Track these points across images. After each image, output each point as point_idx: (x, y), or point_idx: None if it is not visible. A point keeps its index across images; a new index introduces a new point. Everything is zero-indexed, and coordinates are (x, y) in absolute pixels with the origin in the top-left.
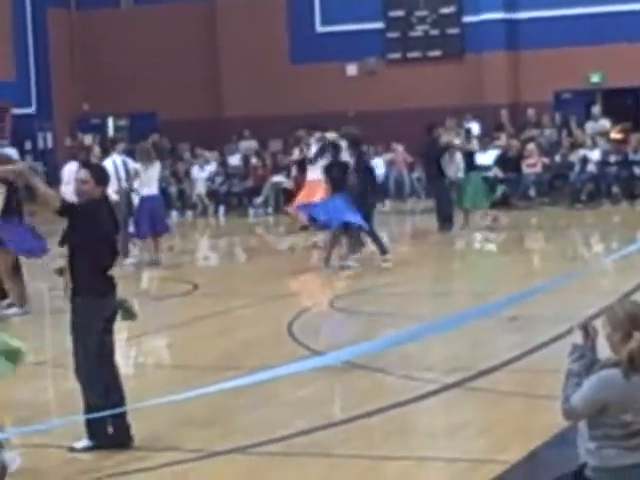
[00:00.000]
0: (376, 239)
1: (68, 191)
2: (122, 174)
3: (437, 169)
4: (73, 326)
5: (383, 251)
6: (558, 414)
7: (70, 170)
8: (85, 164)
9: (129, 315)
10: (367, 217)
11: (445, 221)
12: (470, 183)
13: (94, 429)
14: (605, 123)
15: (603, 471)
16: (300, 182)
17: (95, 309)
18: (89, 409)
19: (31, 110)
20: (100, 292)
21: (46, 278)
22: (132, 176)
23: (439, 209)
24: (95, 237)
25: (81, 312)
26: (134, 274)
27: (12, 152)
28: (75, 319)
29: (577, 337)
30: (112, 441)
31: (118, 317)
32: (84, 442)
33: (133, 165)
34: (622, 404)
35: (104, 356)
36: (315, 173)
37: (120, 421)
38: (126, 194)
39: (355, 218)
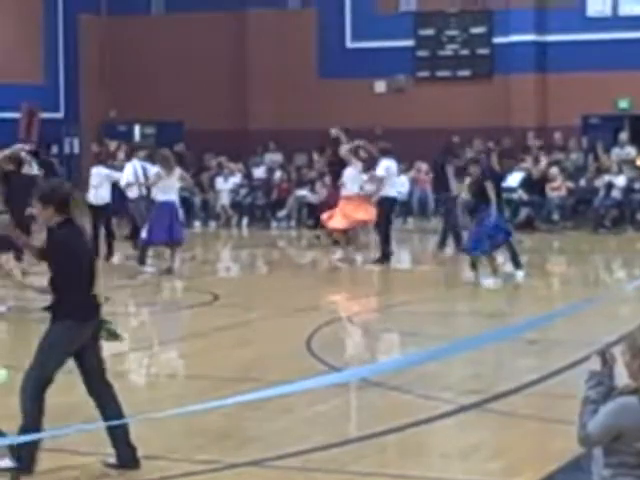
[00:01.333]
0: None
1: (97, 194)
2: (142, 180)
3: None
4: (43, 341)
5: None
6: (573, 439)
7: (99, 174)
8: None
9: (112, 336)
10: None
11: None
12: None
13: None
14: (631, 150)
15: None
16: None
17: (72, 333)
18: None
19: (59, 115)
20: (80, 316)
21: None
22: (152, 181)
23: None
24: (71, 267)
25: (56, 333)
26: (153, 283)
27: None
28: (49, 338)
29: (595, 364)
30: None
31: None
32: (6, 462)
33: (154, 170)
34: (638, 432)
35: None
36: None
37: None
38: (145, 200)
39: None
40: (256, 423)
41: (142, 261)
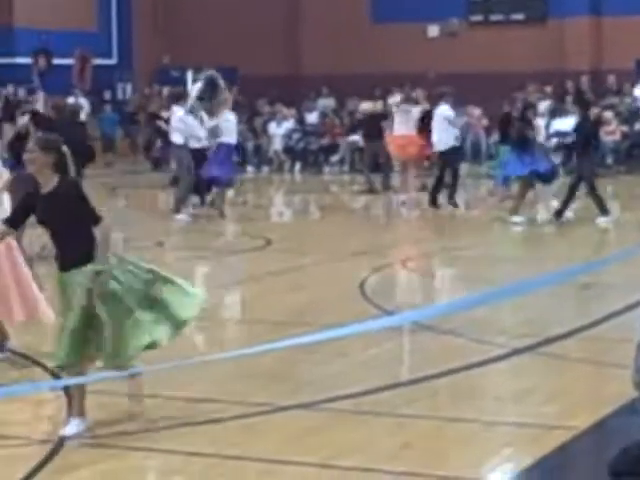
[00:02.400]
0: None
1: (175, 136)
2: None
3: None
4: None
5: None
6: (627, 383)
7: (177, 115)
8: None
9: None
10: None
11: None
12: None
13: None
14: None
15: None
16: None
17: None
18: None
19: (112, 61)
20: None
21: (120, 229)
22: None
23: None
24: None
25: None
26: (207, 228)
27: (84, 103)
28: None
29: None
30: None
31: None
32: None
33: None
34: None
35: None
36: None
37: None
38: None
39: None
40: (309, 366)
41: (178, 209)
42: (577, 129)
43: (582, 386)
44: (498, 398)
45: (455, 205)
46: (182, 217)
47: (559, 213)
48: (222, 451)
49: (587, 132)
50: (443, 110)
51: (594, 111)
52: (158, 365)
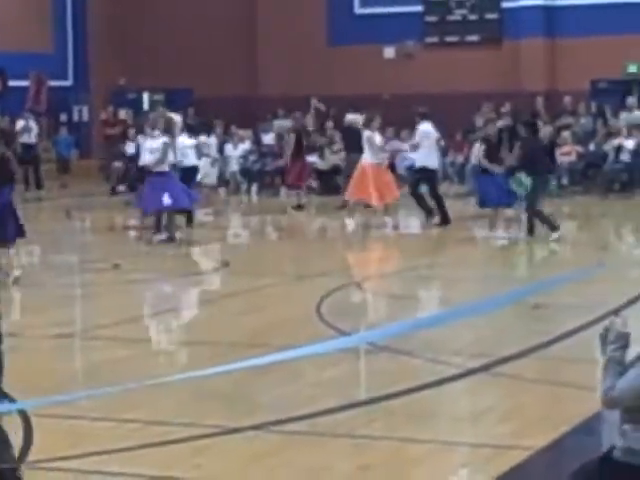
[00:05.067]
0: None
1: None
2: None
3: None
4: None
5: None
6: (582, 403)
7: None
8: None
9: None
10: None
11: None
12: None
13: None
14: (639, 114)
15: (637, 453)
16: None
17: None
18: None
19: (67, 82)
20: None
21: (75, 251)
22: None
23: None
24: None
25: None
26: (163, 250)
27: (33, 125)
28: None
29: (620, 326)
30: None
31: None
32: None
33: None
34: None
35: None
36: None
37: None
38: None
39: None
40: (265, 388)
41: (158, 229)
42: (523, 148)
43: (537, 406)
44: (454, 418)
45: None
46: (159, 237)
47: (530, 230)
48: (176, 474)
49: (534, 152)
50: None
51: (546, 130)
52: (110, 387)
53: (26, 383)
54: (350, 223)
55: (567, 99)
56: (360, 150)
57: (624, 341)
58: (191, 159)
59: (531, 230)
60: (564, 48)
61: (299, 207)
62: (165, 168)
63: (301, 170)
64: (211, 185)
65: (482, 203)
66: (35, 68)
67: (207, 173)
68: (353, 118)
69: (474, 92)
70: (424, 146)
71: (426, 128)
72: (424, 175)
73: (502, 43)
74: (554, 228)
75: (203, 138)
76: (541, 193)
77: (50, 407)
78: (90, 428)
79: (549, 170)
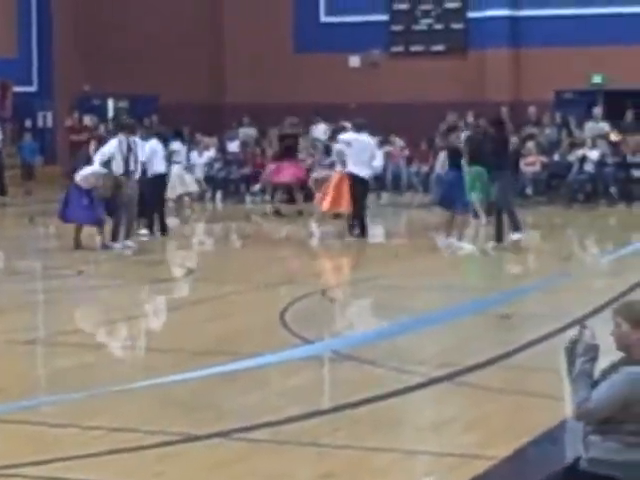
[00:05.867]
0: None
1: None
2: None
3: None
4: None
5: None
6: (546, 412)
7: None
8: None
9: None
10: None
11: None
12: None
13: None
14: (604, 125)
15: (604, 463)
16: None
17: None
18: None
19: (32, 88)
20: None
21: (39, 257)
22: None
23: None
24: None
25: None
26: (127, 256)
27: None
28: None
29: (589, 338)
30: None
31: None
32: None
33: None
34: None
35: None
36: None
37: None
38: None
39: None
40: (229, 395)
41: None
42: (495, 150)
43: (501, 415)
44: (418, 428)
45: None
46: (117, 246)
47: (499, 236)
48: None
49: (497, 148)
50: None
51: (512, 139)
52: (74, 394)
53: None
54: (317, 231)
55: (532, 109)
56: None
57: (593, 353)
58: (160, 167)
59: (499, 236)
60: (529, 58)
61: (277, 213)
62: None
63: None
64: (196, 192)
65: (442, 201)
66: None
67: (183, 181)
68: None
69: (439, 102)
70: (351, 155)
71: (349, 137)
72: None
73: (467, 53)
74: (518, 229)
75: (176, 145)
76: (511, 191)
77: (13, 413)
78: (53, 434)
79: (514, 170)
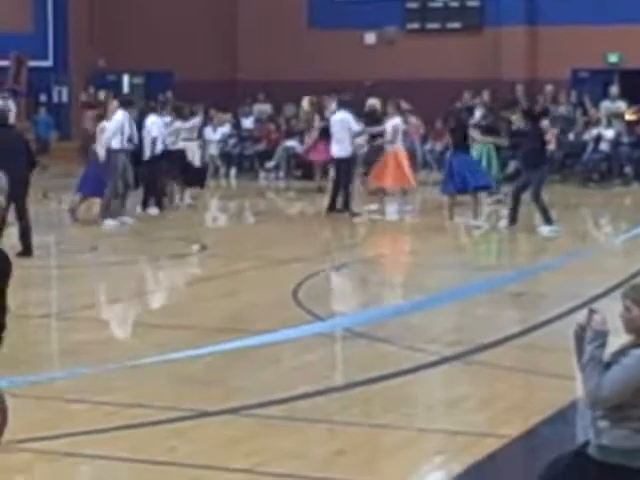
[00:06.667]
0: None
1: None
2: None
3: None
4: None
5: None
6: (558, 391)
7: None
8: None
9: None
10: None
11: None
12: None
13: None
14: (621, 104)
15: (613, 451)
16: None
17: None
18: None
19: (48, 63)
20: None
21: (53, 232)
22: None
23: None
24: None
25: None
26: (141, 232)
27: (11, 105)
28: None
29: (599, 324)
30: None
31: None
32: None
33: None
34: None
35: None
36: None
37: None
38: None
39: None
40: (241, 372)
41: (104, 215)
42: (528, 140)
43: (512, 394)
44: (430, 406)
45: (353, 214)
46: (110, 222)
47: (513, 219)
48: (152, 457)
49: (535, 143)
50: (344, 117)
51: (544, 123)
52: (87, 369)
53: (2, 362)
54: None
55: (549, 88)
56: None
57: (603, 339)
58: (179, 143)
59: (513, 219)
60: (545, 36)
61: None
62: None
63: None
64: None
65: (462, 188)
66: (15, 48)
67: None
68: (375, 102)
69: (454, 79)
70: (343, 135)
71: (343, 117)
72: (343, 165)
73: (483, 30)
74: (550, 221)
75: (196, 121)
76: (543, 184)
77: (26, 387)
78: (66, 409)
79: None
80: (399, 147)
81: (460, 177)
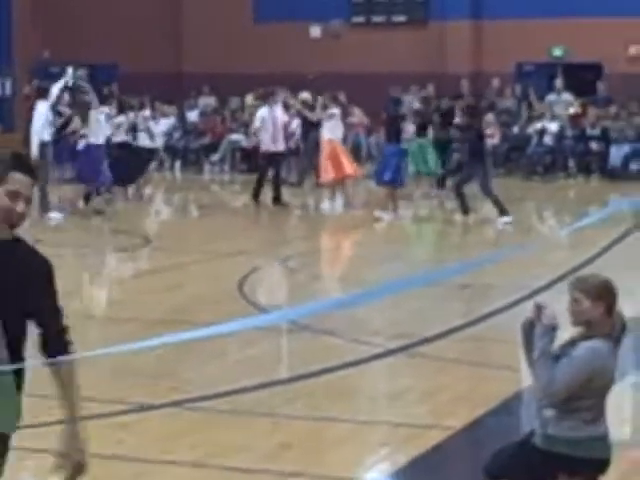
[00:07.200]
0: None
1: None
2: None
3: None
4: None
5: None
6: (502, 383)
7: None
8: None
9: None
10: None
11: None
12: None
13: None
14: (568, 97)
15: (558, 441)
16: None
17: None
18: None
19: None
20: None
21: None
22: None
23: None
24: None
25: None
26: (84, 225)
27: None
28: None
29: (549, 318)
30: None
31: None
32: None
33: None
34: (605, 375)
35: None
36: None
37: None
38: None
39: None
40: (185, 365)
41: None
42: (467, 138)
43: (458, 386)
44: (374, 398)
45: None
46: (55, 216)
47: (465, 210)
48: (96, 450)
49: (475, 140)
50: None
51: (489, 117)
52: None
53: None
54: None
55: (495, 82)
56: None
57: (553, 333)
58: (122, 135)
59: (465, 210)
60: (490, 30)
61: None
62: None
63: None
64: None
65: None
66: None
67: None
68: (307, 96)
69: (400, 73)
70: (267, 130)
71: (264, 113)
72: (270, 159)
73: (428, 24)
74: (505, 213)
75: (145, 114)
76: (488, 177)
77: None
78: None
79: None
80: (335, 139)
81: (391, 169)
